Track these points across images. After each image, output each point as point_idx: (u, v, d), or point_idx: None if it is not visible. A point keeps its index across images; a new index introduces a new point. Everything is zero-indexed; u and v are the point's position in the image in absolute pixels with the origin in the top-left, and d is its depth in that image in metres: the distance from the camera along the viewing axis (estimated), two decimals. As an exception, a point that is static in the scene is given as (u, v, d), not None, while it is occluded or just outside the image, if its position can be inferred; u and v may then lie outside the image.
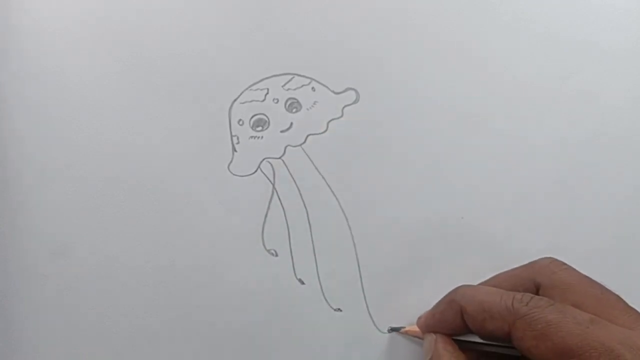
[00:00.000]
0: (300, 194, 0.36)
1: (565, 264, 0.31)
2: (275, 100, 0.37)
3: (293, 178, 0.36)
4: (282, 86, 0.37)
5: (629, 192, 0.36)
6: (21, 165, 0.36)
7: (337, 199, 0.36)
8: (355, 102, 0.37)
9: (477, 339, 0.31)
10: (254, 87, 0.37)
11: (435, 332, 0.33)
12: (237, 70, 0.37)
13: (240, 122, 0.36)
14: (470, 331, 0.31)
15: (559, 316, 0.27)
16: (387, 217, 0.36)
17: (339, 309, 0.36)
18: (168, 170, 0.36)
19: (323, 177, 0.36)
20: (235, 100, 0.37)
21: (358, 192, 0.36)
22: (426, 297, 0.34)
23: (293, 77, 0.37)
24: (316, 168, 0.36)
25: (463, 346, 0.32)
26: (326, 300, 0.36)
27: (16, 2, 0.37)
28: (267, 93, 0.37)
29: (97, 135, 0.36)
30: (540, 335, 0.27)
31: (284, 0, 0.38)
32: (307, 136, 0.36)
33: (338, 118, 0.37)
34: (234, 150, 0.36)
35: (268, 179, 0.36)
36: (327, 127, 0.37)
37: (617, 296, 0.30)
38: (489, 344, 0.30)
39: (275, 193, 0.36)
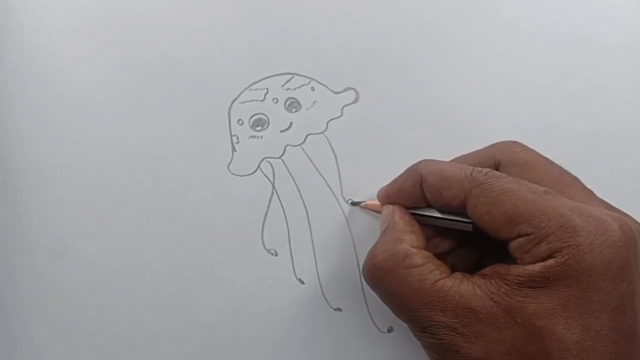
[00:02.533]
0: (300, 194, 0.36)
1: (527, 146, 0.32)
2: (275, 100, 0.37)
3: (293, 178, 0.36)
4: (282, 86, 0.37)
5: (629, 188, 0.36)
6: (22, 166, 0.36)
7: (337, 199, 0.36)
8: (355, 101, 0.37)
9: (434, 213, 0.31)
10: (253, 87, 0.37)
11: (393, 204, 0.33)
12: (237, 69, 0.37)
13: (240, 122, 0.36)
14: (428, 205, 0.31)
15: (514, 185, 0.27)
16: (387, 216, 0.36)
17: (339, 309, 0.36)
18: (168, 170, 0.36)
19: (323, 177, 0.36)
20: (234, 100, 0.37)
21: (358, 191, 0.36)
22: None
23: (292, 77, 0.37)
24: (316, 168, 0.36)
25: (419, 221, 0.32)
26: (326, 300, 0.36)
27: (16, 2, 0.37)
28: (267, 93, 0.37)
29: (97, 135, 0.36)
30: (494, 201, 0.27)
31: (284, 0, 0.38)
32: (307, 136, 0.37)
33: (338, 118, 0.37)
34: (234, 150, 0.36)
35: (268, 178, 0.36)
36: (327, 126, 0.37)
37: (575, 177, 0.30)
38: (443, 219, 0.31)
39: (275, 193, 0.36)
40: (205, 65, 0.37)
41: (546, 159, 0.31)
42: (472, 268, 0.32)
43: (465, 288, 0.27)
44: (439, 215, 0.31)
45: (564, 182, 0.30)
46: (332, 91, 0.37)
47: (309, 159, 0.36)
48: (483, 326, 0.26)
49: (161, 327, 0.35)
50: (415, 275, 0.28)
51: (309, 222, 0.36)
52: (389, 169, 0.36)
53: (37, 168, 0.36)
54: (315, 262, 0.36)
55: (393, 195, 0.33)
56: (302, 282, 0.36)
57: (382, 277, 0.29)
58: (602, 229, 0.26)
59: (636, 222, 0.28)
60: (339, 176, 0.36)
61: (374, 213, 0.35)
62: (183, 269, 0.36)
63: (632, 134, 0.38)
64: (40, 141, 0.36)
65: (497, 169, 0.31)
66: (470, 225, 0.29)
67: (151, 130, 0.36)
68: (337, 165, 0.36)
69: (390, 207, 0.33)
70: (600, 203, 0.29)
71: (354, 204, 0.36)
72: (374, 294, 0.35)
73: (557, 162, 0.32)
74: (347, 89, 0.37)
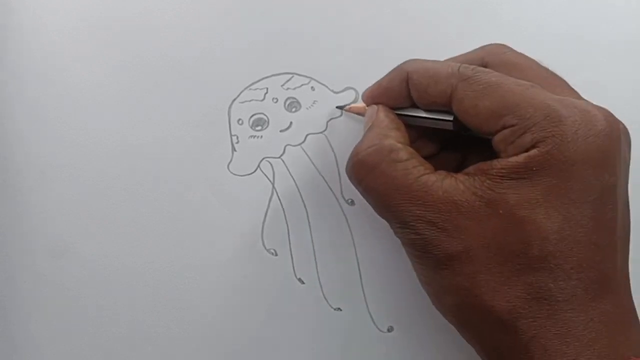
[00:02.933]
0: (300, 194, 0.36)
1: (514, 49, 0.31)
2: (275, 100, 0.37)
3: (293, 177, 0.36)
4: (282, 85, 0.37)
5: (629, 188, 0.36)
6: (22, 166, 0.36)
7: (337, 198, 0.36)
8: (355, 101, 0.37)
9: (418, 113, 0.31)
10: (253, 87, 0.37)
11: (377, 104, 0.32)
12: (237, 69, 0.37)
13: (240, 122, 0.36)
14: (411, 106, 0.31)
15: (501, 79, 0.27)
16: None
17: (339, 309, 0.36)
18: (168, 170, 0.36)
19: (323, 177, 0.36)
20: (234, 99, 0.37)
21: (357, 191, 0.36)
22: (426, 296, 0.34)
23: (292, 77, 0.37)
24: (316, 167, 0.36)
25: (403, 121, 0.32)
26: (326, 300, 0.36)
27: (16, 2, 0.37)
28: (267, 92, 0.37)
29: (97, 135, 0.36)
30: (480, 95, 0.27)
31: (284, 0, 0.38)
32: (307, 135, 0.37)
33: (337, 117, 0.37)
34: (234, 149, 0.36)
35: (268, 178, 0.36)
36: (327, 126, 0.37)
37: (563, 79, 0.30)
38: (426, 118, 0.30)
39: (275, 192, 0.36)
40: (205, 65, 0.37)
41: (534, 60, 0.31)
42: (455, 170, 0.32)
43: (449, 183, 0.27)
44: (422, 114, 0.31)
45: (551, 82, 0.29)
46: (332, 91, 0.37)
47: (309, 158, 0.36)
48: (464, 220, 0.26)
49: (161, 327, 0.35)
50: (400, 170, 0.28)
51: (309, 222, 0.36)
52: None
53: (37, 168, 0.36)
54: (315, 262, 0.36)
55: (378, 95, 0.32)
56: (302, 282, 0.36)
57: (366, 172, 0.29)
58: (587, 119, 0.26)
59: (622, 122, 0.28)
60: (339, 176, 0.36)
61: (357, 116, 0.35)
62: (183, 269, 0.36)
63: (632, 133, 0.37)
64: (40, 141, 0.36)
65: None
66: (451, 123, 0.29)
67: (151, 130, 0.36)
68: (337, 165, 0.36)
69: (375, 106, 0.32)
70: (586, 100, 0.29)
71: (338, 107, 0.36)
72: (374, 293, 0.36)
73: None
74: (346, 88, 0.37)
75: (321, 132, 0.37)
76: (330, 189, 0.36)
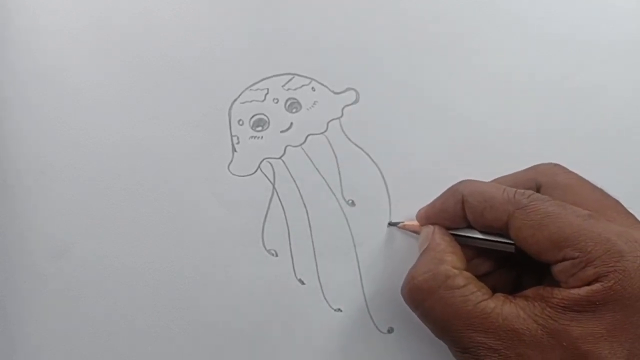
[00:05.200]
0: (300, 194, 0.36)
1: (567, 169, 0.32)
2: (275, 100, 0.37)
3: (293, 178, 0.36)
4: (282, 86, 0.37)
5: (629, 188, 0.36)
6: (21, 166, 0.36)
7: (337, 199, 0.36)
8: (355, 102, 0.37)
9: (475, 234, 0.31)
10: (254, 87, 0.37)
11: (433, 225, 0.33)
12: (237, 70, 0.37)
13: (240, 122, 0.36)
14: (468, 226, 0.31)
15: (559, 209, 0.28)
16: (387, 217, 0.36)
17: (339, 309, 0.36)
18: (168, 170, 0.36)
19: (323, 177, 0.36)
20: (235, 100, 0.37)
21: (358, 192, 0.36)
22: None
23: (293, 77, 0.37)
24: (316, 168, 0.36)
25: (460, 242, 0.32)
26: (326, 300, 0.36)
27: (16, 2, 0.37)
28: (267, 93, 0.37)
29: (97, 135, 0.36)
30: (538, 225, 0.28)
31: (284, 1, 0.38)
32: (307, 136, 0.36)
33: (338, 118, 0.37)
34: (234, 150, 0.36)
35: (268, 179, 0.36)
36: (327, 127, 0.37)
37: (617, 201, 0.30)
38: (485, 240, 0.31)
39: (275, 193, 0.36)
40: (205, 65, 0.37)
41: (587, 182, 0.31)
42: (512, 288, 0.32)
43: (508, 310, 0.27)
44: (480, 236, 0.31)
45: (607, 205, 0.30)
46: (333, 91, 0.37)
47: (310, 159, 0.36)
48: (526, 349, 0.27)
49: (161, 327, 0.35)
50: (458, 297, 0.28)
51: (309, 223, 0.36)
52: (389, 170, 0.36)
53: (37, 168, 0.36)
54: (316, 263, 0.36)
55: (433, 216, 0.33)
56: (303, 283, 0.36)
57: (423, 298, 0.29)
58: None
59: None
60: (339, 176, 0.36)
61: (411, 233, 0.35)
62: (183, 269, 0.36)
63: (632, 134, 0.38)
64: (40, 141, 0.36)
65: (538, 191, 0.31)
66: (513, 246, 0.30)
67: (151, 130, 0.36)
68: (338, 165, 0.36)
69: (431, 227, 0.33)
70: None
71: (391, 224, 0.36)
72: (374, 294, 0.36)
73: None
74: (347, 89, 0.37)
75: (322, 133, 0.37)
76: (331, 189, 0.36)
